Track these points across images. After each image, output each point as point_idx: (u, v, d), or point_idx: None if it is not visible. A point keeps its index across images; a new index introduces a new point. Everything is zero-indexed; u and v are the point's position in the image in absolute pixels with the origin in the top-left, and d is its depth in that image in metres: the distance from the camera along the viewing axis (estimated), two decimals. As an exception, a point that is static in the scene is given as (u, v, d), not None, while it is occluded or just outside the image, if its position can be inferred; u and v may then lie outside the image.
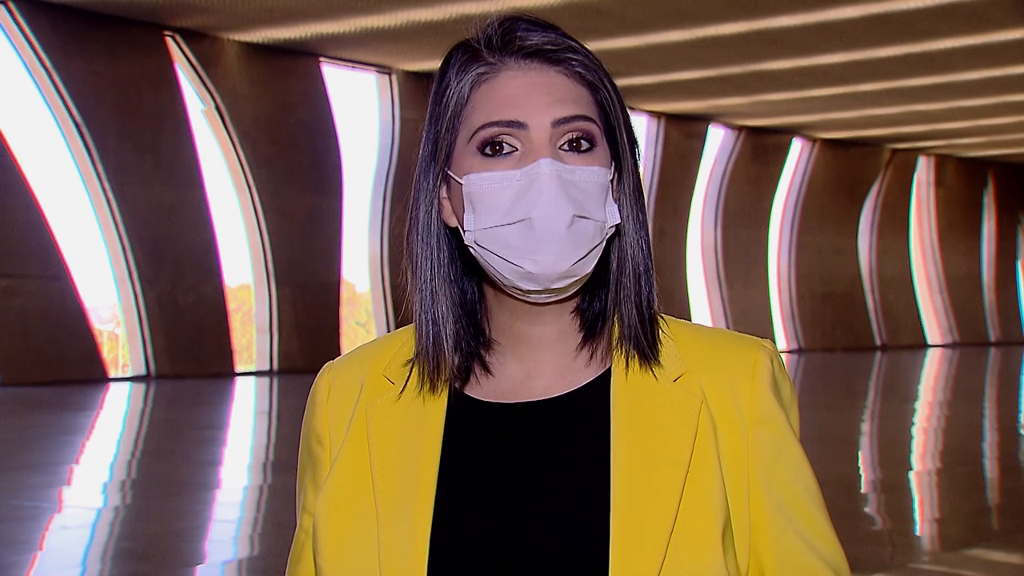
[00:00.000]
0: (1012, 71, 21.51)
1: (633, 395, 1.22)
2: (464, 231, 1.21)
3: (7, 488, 8.06)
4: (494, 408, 1.24)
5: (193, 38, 19.07)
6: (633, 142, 1.25)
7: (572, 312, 1.25)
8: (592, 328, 1.25)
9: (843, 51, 20.11)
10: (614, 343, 1.25)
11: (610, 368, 1.24)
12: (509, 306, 1.25)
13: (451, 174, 1.22)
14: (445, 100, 1.22)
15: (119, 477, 9.11)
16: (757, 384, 1.23)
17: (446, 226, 1.24)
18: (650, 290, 1.25)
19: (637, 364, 1.23)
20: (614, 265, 1.24)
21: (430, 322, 1.24)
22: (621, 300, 1.24)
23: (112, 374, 18.77)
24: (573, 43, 1.22)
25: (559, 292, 1.21)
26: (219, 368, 19.26)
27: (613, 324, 1.25)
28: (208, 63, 19.34)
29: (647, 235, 1.26)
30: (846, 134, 29.48)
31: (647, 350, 1.23)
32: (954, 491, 8.43)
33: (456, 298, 1.25)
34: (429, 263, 1.24)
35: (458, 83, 1.22)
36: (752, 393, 1.23)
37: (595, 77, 1.22)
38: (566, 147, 1.19)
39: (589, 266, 1.19)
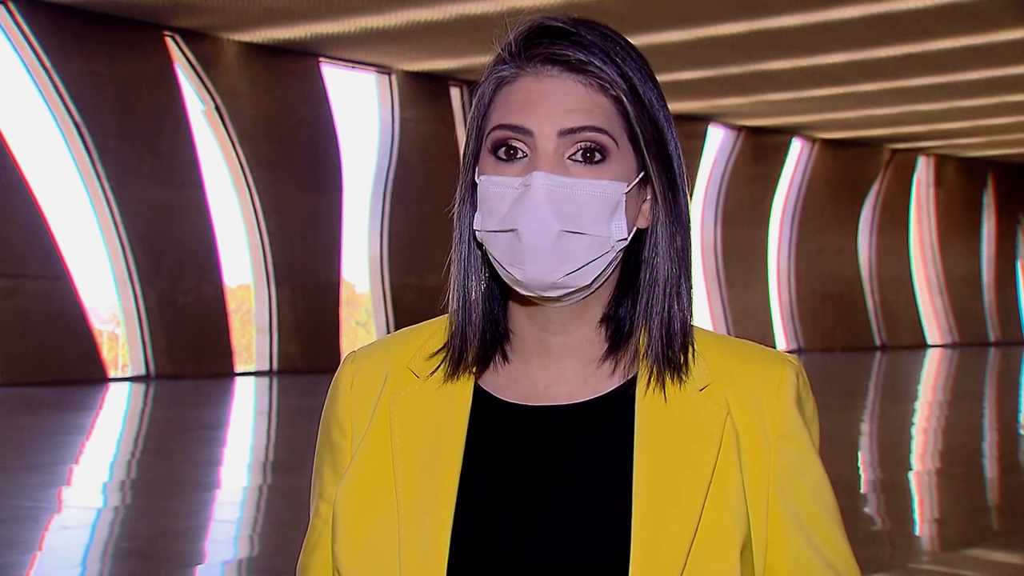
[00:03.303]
0: (1012, 71, 21.49)
1: (658, 404, 1.22)
2: (475, 229, 1.23)
3: (7, 488, 8.06)
4: (518, 410, 1.24)
5: (193, 38, 19.07)
6: (665, 155, 1.23)
7: (598, 322, 1.25)
8: (616, 340, 1.25)
9: (843, 51, 20.09)
10: (641, 352, 1.24)
11: (636, 376, 1.24)
12: (528, 311, 1.25)
13: (476, 172, 1.24)
14: (475, 102, 1.25)
15: (119, 477, 9.10)
16: (782, 399, 1.23)
17: None
18: (684, 304, 1.23)
19: (663, 374, 1.22)
20: (645, 278, 1.23)
21: (462, 313, 1.26)
22: (650, 314, 1.23)
23: (112, 374, 18.75)
24: (597, 52, 1.20)
25: (558, 299, 1.21)
26: (219, 368, 19.25)
27: (640, 334, 1.24)
28: (208, 63, 19.33)
29: (683, 249, 1.24)
30: (846, 134, 29.47)
31: (673, 367, 1.22)
32: (954, 491, 8.43)
33: (484, 294, 1.26)
34: (462, 260, 1.26)
35: (484, 86, 1.24)
36: (777, 408, 1.23)
37: (618, 88, 1.20)
38: (578, 157, 1.19)
39: (585, 278, 1.19)
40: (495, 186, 1.20)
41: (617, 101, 1.20)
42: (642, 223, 1.24)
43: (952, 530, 6.95)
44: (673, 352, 1.22)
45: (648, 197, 1.24)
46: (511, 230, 1.18)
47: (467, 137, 1.26)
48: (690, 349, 1.24)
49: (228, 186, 20.11)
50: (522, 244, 1.17)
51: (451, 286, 1.27)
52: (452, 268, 1.27)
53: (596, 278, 1.20)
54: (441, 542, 1.18)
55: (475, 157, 1.24)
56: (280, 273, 20.29)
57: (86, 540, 6.61)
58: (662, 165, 1.23)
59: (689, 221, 1.25)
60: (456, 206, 1.27)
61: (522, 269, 1.17)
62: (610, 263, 1.21)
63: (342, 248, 21.23)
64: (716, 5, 17.20)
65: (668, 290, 1.23)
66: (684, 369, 1.22)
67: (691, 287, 1.25)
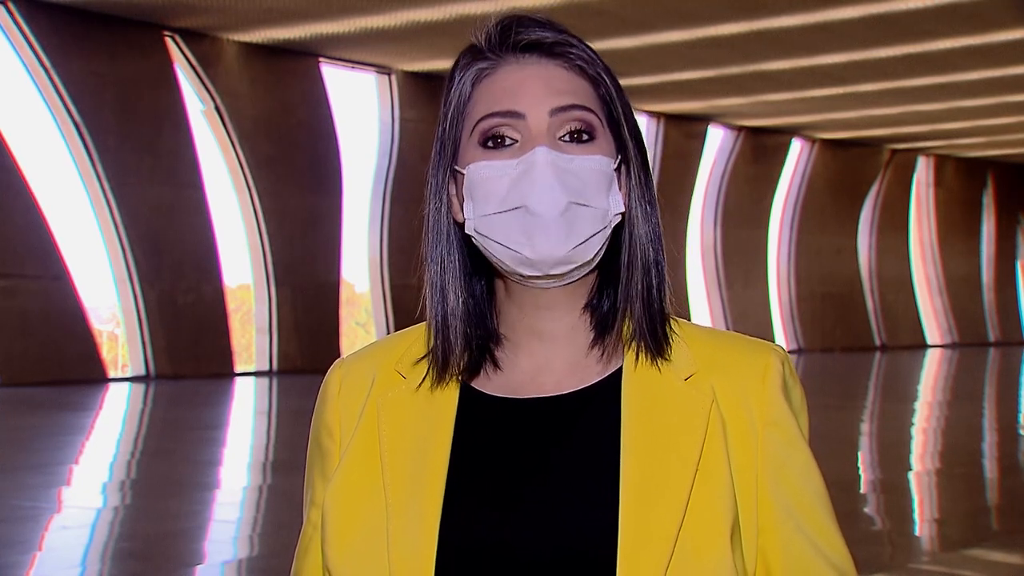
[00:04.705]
0: (1012, 71, 21.50)
1: (644, 393, 1.22)
2: (465, 220, 1.23)
3: (7, 488, 8.06)
4: (505, 403, 1.25)
5: (193, 38, 19.07)
6: (638, 137, 1.26)
7: (583, 308, 1.26)
8: (603, 325, 1.26)
9: (843, 51, 20.10)
10: (625, 340, 1.25)
11: (621, 367, 1.25)
12: (519, 301, 1.25)
13: (457, 168, 1.24)
14: (449, 99, 1.25)
15: (119, 477, 9.10)
16: (768, 387, 1.23)
17: (456, 223, 1.26)
18: (660, 284, 1.25)
19: (648, 362, 1.24)
20: (625, 260, 1.24)
21: (441, 319, 1.25)
22: (632, 296, 1.24)
23: (112, 374, 18.76)
24: (573, 38, 1.24)
25: (559, 278, 1.22)
26: (219, 368, 19.25)
27: (624, 321, 1.25)
28: (208, 63, 19.34)
29: (657, 231, 1.26)
30: (846, 134, 29.48)
31: (657, 347, 1.24)
32: (954, 491, 8.43)
33: (466, 294, 1.26)
34: (439, 260, 1.26)
35: (460, 81, 1.25)
36: (762, 395, 1.23)
37: (595, 72, 1.24)
38: (567, 138, 1.21)
39: (589, 252, 1.21)
40: (489, 171, 1.21)
41: (595, 83, 1.24)
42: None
43: (952, 530, 6.95)
44: (654, 334, 1.23)
45: (623, 185, 1.26)
46: (517, 208, 1.19)
47: (443, 132, 1.26)
48: (668, 329, 1.25)
49: (228, 186, 20.12)
50: (532, 219, 1.18)
51: (427, 295, 1.26)
52: (426, 276, 1.26)
53: (596, 254, 1.22)
54: (429, 536, 1.18)
55: (454, 154, 1.25)
56: (280, 273, 20.30)
57: (86, 540, 6.62)
58: (637, 145, 1.26)
59: (657, 206, 1.27)
60: (426, 209, 1.26)
61: (531, 246, 1.18)
62: (606, 240, 1.22)
63: (342, 248, 21.24)
64: (716, 5, 17.21)
65: (646, 272, 1.24)
66: (666, 349, 1.23)
67: (665, 270, 1.26)
